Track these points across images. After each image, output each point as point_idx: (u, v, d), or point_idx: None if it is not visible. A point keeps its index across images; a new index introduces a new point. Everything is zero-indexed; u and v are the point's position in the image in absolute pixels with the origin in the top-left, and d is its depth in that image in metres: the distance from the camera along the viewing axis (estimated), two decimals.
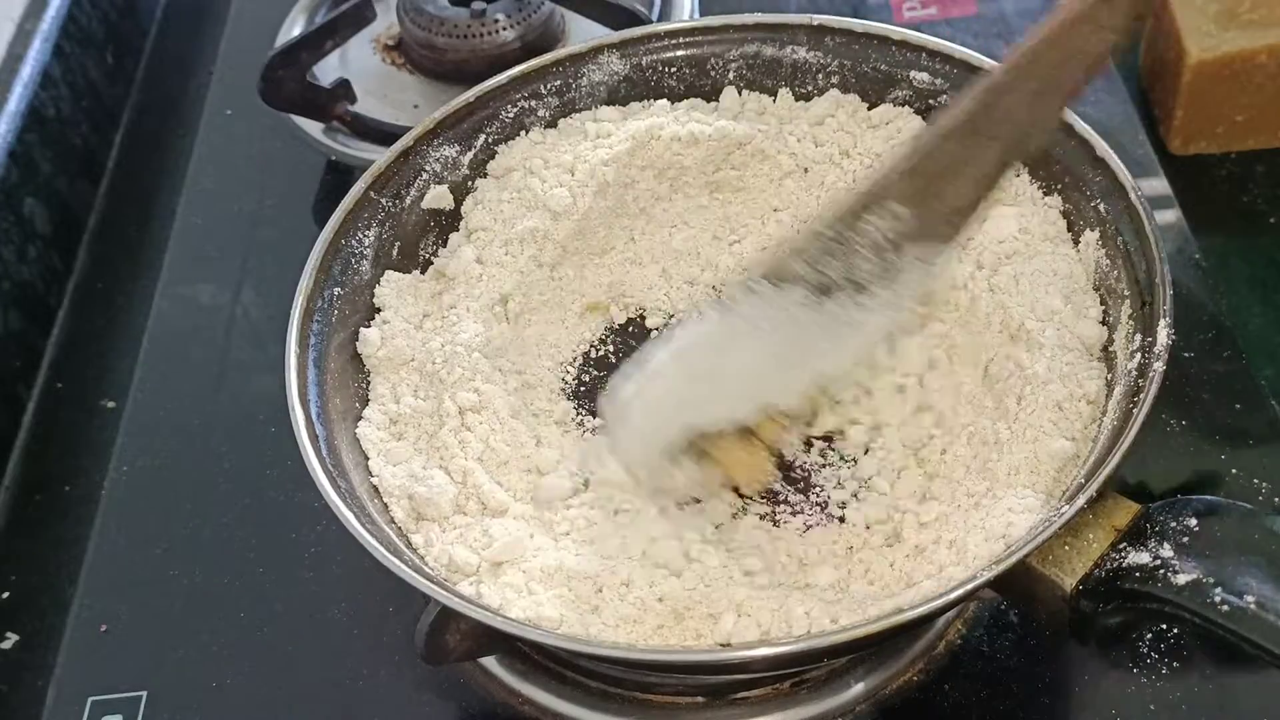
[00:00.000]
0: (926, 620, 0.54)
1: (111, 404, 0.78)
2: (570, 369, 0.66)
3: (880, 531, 0.56)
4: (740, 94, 0.69)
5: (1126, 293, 0.57)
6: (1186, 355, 0.68)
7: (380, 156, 0.65)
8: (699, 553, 0.54)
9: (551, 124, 0.69)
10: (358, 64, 0.85)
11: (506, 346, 0.63)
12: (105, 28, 0.97)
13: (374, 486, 0.56)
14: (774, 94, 0.69)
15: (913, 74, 0.66)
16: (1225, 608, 0.44)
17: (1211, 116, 0.81)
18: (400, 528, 0.55)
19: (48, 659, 0.64)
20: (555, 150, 0.67)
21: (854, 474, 0.59)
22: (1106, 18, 0.48)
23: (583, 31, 0.83)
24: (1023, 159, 0.55)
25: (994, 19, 0.88)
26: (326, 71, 0.82)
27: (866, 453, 0.60)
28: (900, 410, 0.60)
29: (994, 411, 0.57)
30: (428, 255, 0.66)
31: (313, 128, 0.81)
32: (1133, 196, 0.57)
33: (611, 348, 0.66)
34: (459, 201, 0.67)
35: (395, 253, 0.65)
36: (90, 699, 0.61)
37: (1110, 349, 0.57)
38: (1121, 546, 0.48)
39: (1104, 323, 0.58)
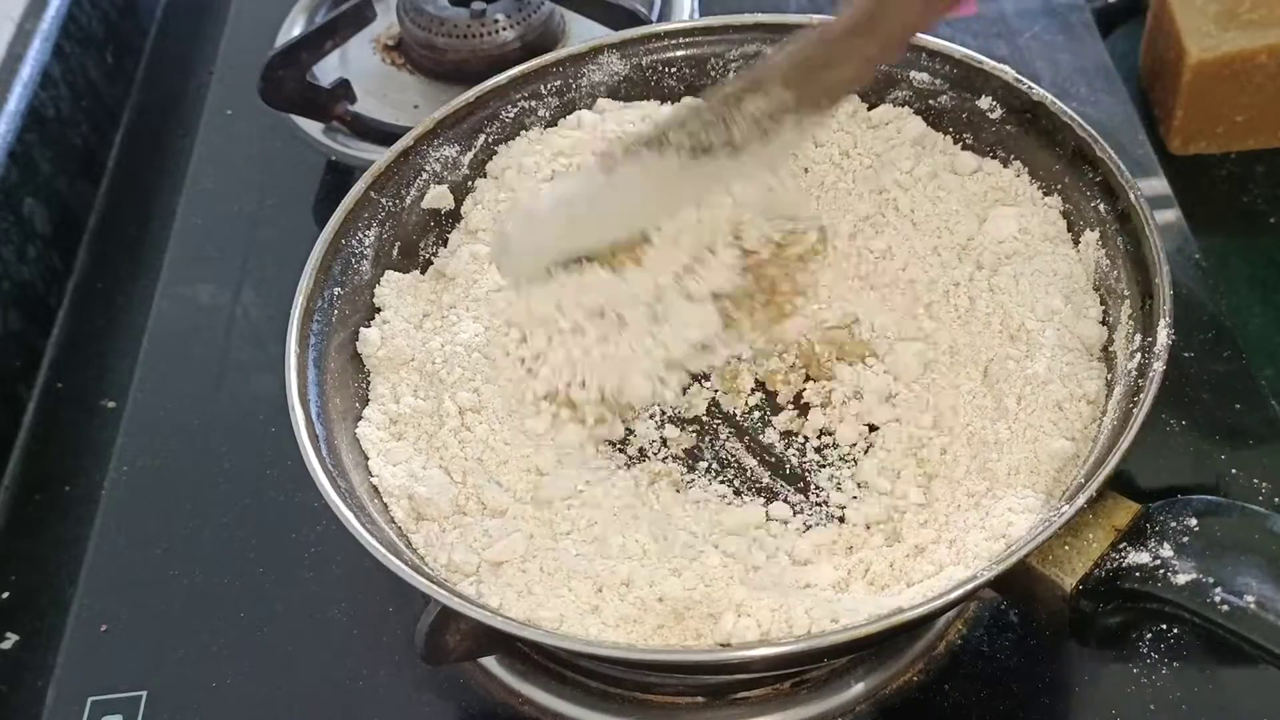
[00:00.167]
0: (926, 620, 0.54)
1: (111, 404, 0.78)
2: None
3: (880, 531, 0.56)
4: None
5: (1126, 293, 0.57)
6: (1186, 355, 0.68)
7: (380, 156, 0.65)
8: (698, 552, 0.54)
9: (551, 124, 0.69)
10: (358, 64, 0.85)
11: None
12: (105, 27, 0.97)
13: (374, 486, 0.56)
14: None
15: (912, 74, 0.66)
16: (1225, 608, 0.44)
17: (1211, 116, 0.81)
18: (400, 528, 0.55)
19: (48, 659, 0.64)
20: (550, 147, 0.67)
21: (854, 474, 0.59)
22: None
23: (583, 31, 0.83)
24: (899, 51, 0.61)
25: (994, 19, 0.88)
26: (326, 71, 0.83)
27: (867, 453, 0.60)
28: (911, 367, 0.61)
29: (994, 411, 0.57)
30: (428, 255, 0.66)
31: (313, 128, 0.81)
32: (1133, 196, 0.57)
33: None
34: (459, 201, 0.67)
35: (395, 253, 0.65)
36: (90, 699, 0.61)
37: (1110, 349, 0.57)
38: (1121, 546, 0.48)
39: (1104, 323, 0.58)
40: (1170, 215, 0.75)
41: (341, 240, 0.62)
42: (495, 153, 0.68)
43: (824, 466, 0.60)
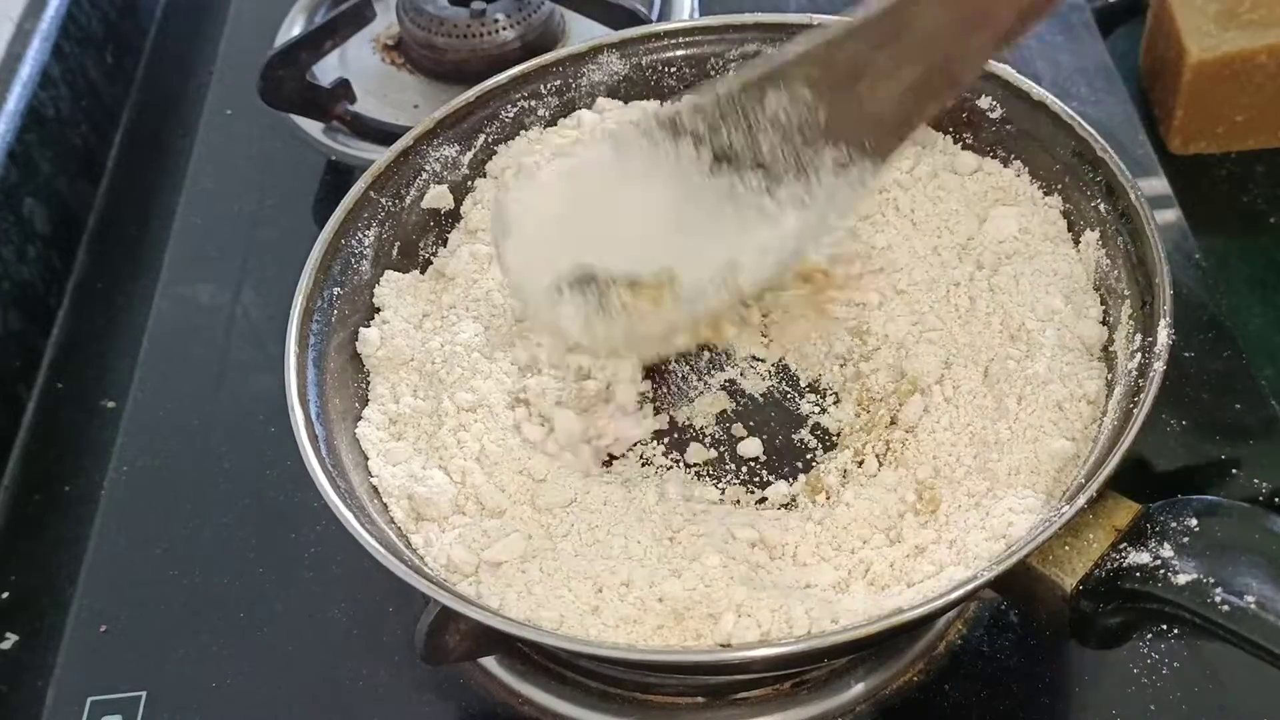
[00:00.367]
0: (926, 620, 0.54)
1: (111, 404, 0.78)
2: None
3: (880, 531, 0.56)
4: None
5: (1126, 293, 0.57)
6: (1186, 355, 0.68)
7: (380, 156, 0.65)
8: (698, 552, 0.54)
9: (551, 123, 0.69)
10: (358, 64, 0.85)
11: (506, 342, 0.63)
12: (105, 27, 0.97)
13: (373, 487, 0.56)
14: None
15: None
16: (1225, 608, 0.44)
17: (1211, 116, 0.81)
18: (400, 528, 0.55)
19: (48, 659, 0.64)
20: (550, 146, 0.68)
21: (854, 474, 0.59)
22: None
23: (583, 31, 0.83)
24: (949, 89, 0.52)
25: None
26: (326, 71, 0.83)
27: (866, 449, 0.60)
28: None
29: (994, 411, 0.57)
30: (427, 255, 0.66)
31: (313, 128, 0.81)
32: (1133, 196, 0.57)
33: None
34: (459, 201, 0.67)
35: (395, 252, 0.65)
36: (90, 699, 0.61)
37: (1110, 349, 0.57)
38: (1122, 546, 0.48)
39: (1104, 323, 0.58)
40: (1170, 215, 0.75)
41: (341, 240, 0.62)
42: (495, 152, 0.68)
43: (824, 466, 0.60)
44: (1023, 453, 0.55)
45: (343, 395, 0.59)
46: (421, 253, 0.66)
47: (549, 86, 0.69)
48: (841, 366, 0.62)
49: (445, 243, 0.67)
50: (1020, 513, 0.52)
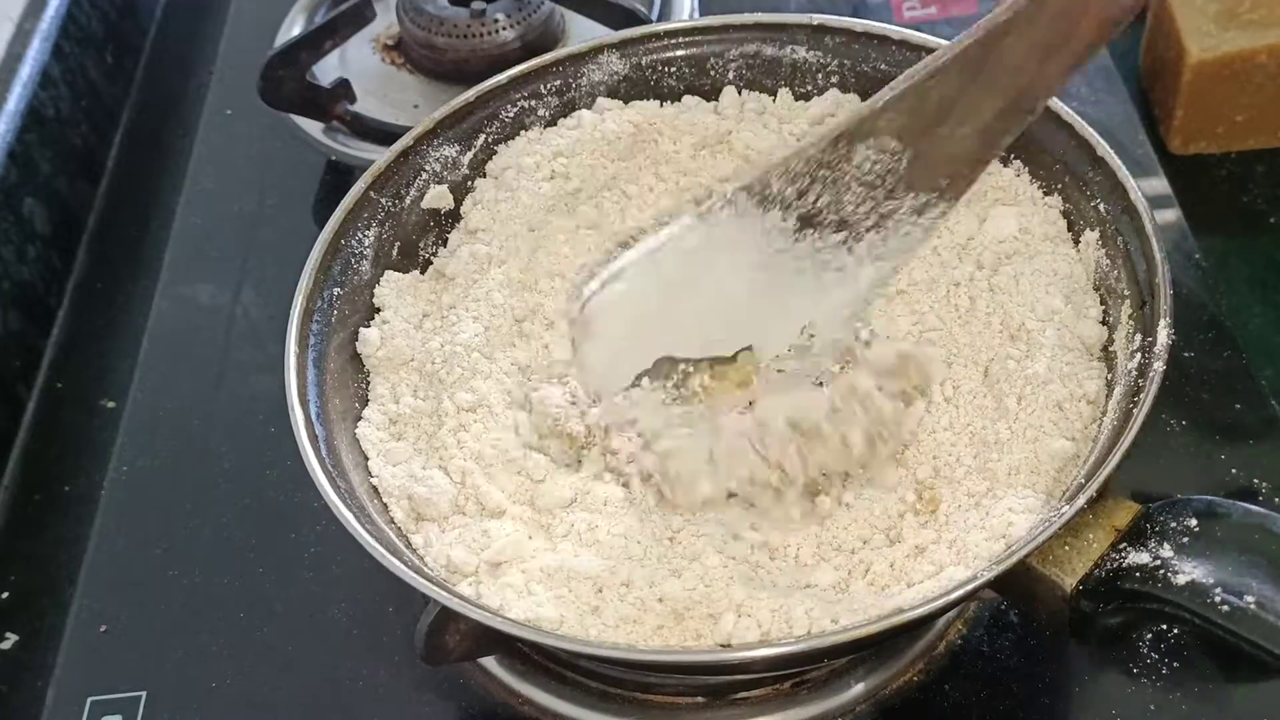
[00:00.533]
0: (926, 620, 0.54)
1: (111, 404, 0.78)
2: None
3: (880, 531, 0.56)
4: (740, 94, 0.69)
5: (1126, 293, 0.57)
6: (1186, 355, 0.68)
7: (380, 156, 0.65)
8: (699, 552, 0.54)
9: (551, 123, 0.69)
10: (358, 64, 0.85)
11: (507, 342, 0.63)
12: (105, 27, 0.97)
13: (373, 487, 0.56)
14: (774, 94, 0.69)
15: None
16: (1225, 608, 0.44)
17: (1211, 116, 0.81)
18: (400, 528, 0.55)
19: (48, 659, 0.64)
20: (550, 146, 0.68)
21: (854, 474, 0.59)
22: None
23: (583, 31, 0.83)
24: (1025, 117, 0.51)
25: None
26: (326, 71, 0.83)
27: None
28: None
29: (994, 411, 0.57)
30: (427, 255, 0.66)
31: (313, 128, 0.81)
32: (1133, 196, 0.57)
33: None
34: (459, 201, 0.67)
35: (395, 253, 0.65)
36: (90, 699, 0.61)
37: (1110, 349, 0.57)
38: (1121, 546, 0.48)
39: (1104, 323, 0.58)
40: (1170, 215, 0.75)
41: (341, 240, 0.62)
42: (495, 152, 0.68)
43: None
44: (1023, 453, 0.55)
45: (343, 395, 0.59)
46: (421, 253, 0.66)
47: (549, 86, 0.69)
48: (842, 369, 0.62)
49: (445, 243, 0.67)
50: (1020, 513, 0.52)
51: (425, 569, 0.52)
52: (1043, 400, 0.56)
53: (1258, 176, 0.82)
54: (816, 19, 0.68)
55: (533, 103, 0.68)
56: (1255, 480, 0.63)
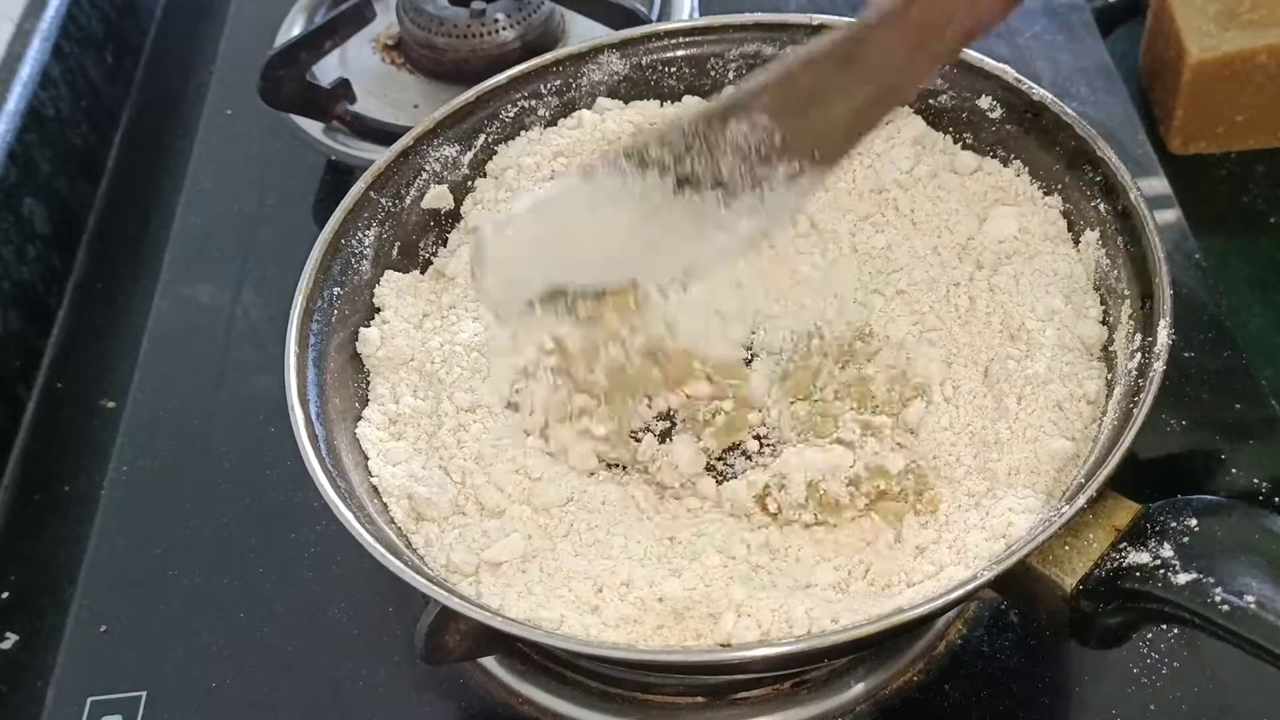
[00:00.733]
0: (926, 620, 0.54)
1: (111, 404, 0.78)
2: None
3: (880, 531, 0.56)
4: None
5: (1126, 293, 0.57)
6: (1186, 355, 0.68)
7: (380, 156, 0.65)
8: (699, 552, 0.54)
9: (551, 123, 0.69)
10: (358, 64, 0.85)
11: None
12: (105, 27, 0.97)
13: (373, 487, 0.56)
14: None
15: None
16: (1225, 608, 0.44)
17: (1211, 116, 0.81)
18: (400, 528, 0.55)
19: (48, 659, 0.64)
20: (550, 146, 0.68)
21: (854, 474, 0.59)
22: None
23: (583, 31, 0.83)
24: (897, 102, 0.57)
25: None
26: (326, 71, 0.83)
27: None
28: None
29: (994, 411, 0.57)
30: (427, 255, 0.66)
31: (313, 128, 0.81)
32: (1132, 196, 0.57)
33: None
34: (459, 201, 0.67)
35: (395, 253, 0.65)
36: (90, 699, 0.61)
37: (1110, 349, 0.57)
38: (1121, 546, 0.48)
39: (1104, 323, 0.58)
40: (1170, 215, 0.75)
41: (341, 240, 0.62)
42: (495, 152, 0.68)
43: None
44: (1023, 453, 0.55)
45: (343, 395, 0.59)
46: (421, 253, 0.66)
47: (549, 86, 0.69)
48: (843, 369, 0.62)
49: (445, 243, 0.67)
50: (1020, 513, 0.52)
51: (425, 569, 0.52)
52: (1043, 400, 0.56)
53: (1258, 176, 0.82)
54: (816, 19, 0.68)
55: (533, 103, 0.68)
56: (1255, 480, 0.63)
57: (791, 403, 0.61)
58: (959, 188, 0.64)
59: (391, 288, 0.63)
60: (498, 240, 0.56)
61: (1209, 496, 0.49)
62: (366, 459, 0.57)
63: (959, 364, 0.59)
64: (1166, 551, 0.47)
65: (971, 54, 0.65)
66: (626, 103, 0.69)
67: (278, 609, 0.63)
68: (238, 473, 0.69)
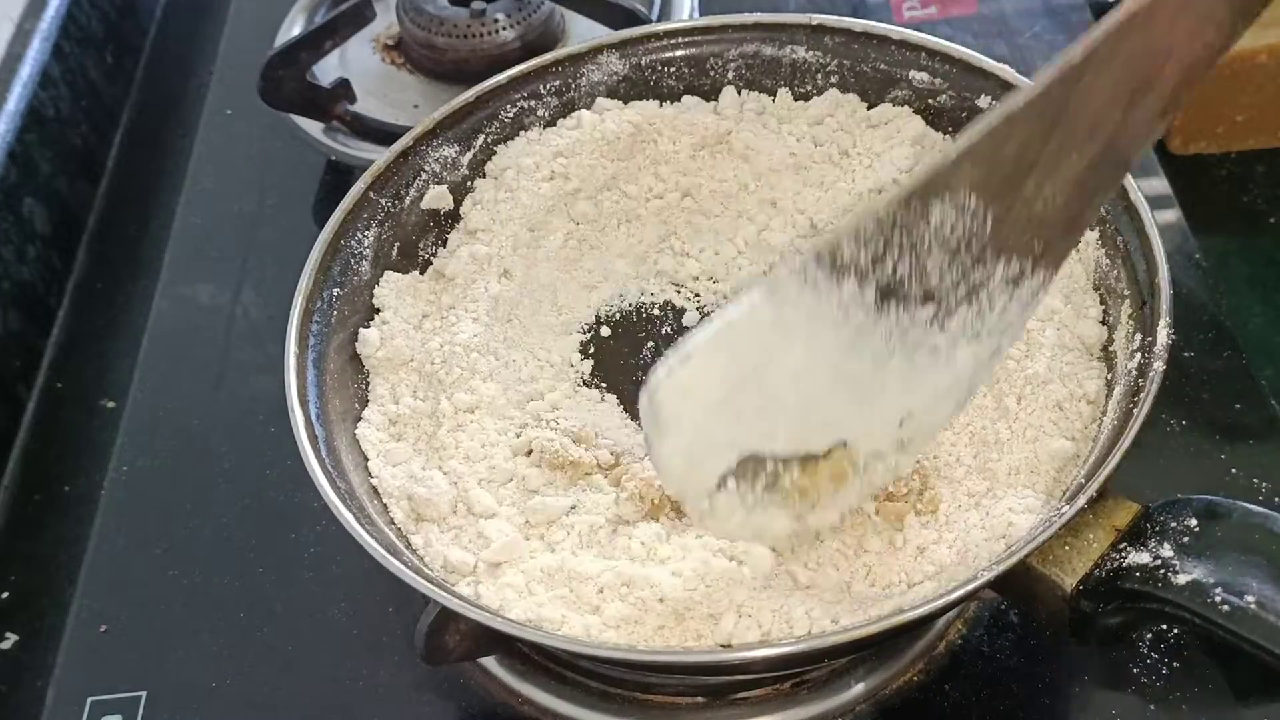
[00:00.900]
0: (927, 620, 0.54)
1: (111, 404, 0.78)
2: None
3: (881, 532, 0.56)
4: (739, 94, 0.69)
5: (1126, 292, 0.57)
6: (1186, 355, 0.68)
7: (380, 156, 0.65)
8: (700, 552, 0.54)
9: (551, 123, 0.69)
10: (358, 64, 0.85)
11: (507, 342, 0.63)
12: (105, 27, 0.97)
13: (373, 487, 0.56)
14: (773, 94, 0.69)
15: (912, 74, 0.66)
16: (1225, 608, 0.44)
17: (1211, 116, 0.81)
18: (400, 529, 0.55)
19: (48, 659, 0.64)
20: (550, 147, 0.68)
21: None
22: (1204, 4, 0.42)
23: (583, 31, 0.83)
24: (1119, 171, 0.46)
25: (994, 18, 0.88)
26: (326, 71, 0.82)
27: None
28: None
29: (994, 411, 0.57)
30: (427, 255, 0.66)
31: (313, 128, 0.81)
32: (1133, 196, 0.57)
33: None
34: (458, 201, 0.67)
35: (395, 253, 0.65)
36: (90, 699, 0.61)
37: (1110, 349, 0.57)
38: (1122, 546, 0.48)
39: (1104, 322, 0.58)
40: (1170, 215, 0.75)
41: (341, 240, 0.62)
42: (495, 153, 0.68)
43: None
44: (1023, 452, 0.55)
45: (342, 396, 0.59)
46: (421, 253, 0.66)
47: (549, 86, 0.69)
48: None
49: (445, 243, 0.67)
50: (1020, 513, 0.52)
51: (425, 569, 0.52)
52: (1043, 400, 0.56)
53: (1258, 176, 0.81)
54: (816, 19, 0.68)
55: (532, 103, 0.68)
56: (1255, 480, 0.63)
57: None
58: None
59: (391, 288, 0.63)
60: (673, 391, 0.45)
61: (1209, 496, 0.49)
62: (366, 460, 0.57)
63: None
64: (1167, 551, 0.47)
65: (971, 54, 0.65)
66: (626, 103, 0.69)
67: (278, 609, 0.63)
68: (238, 473, 0.69)
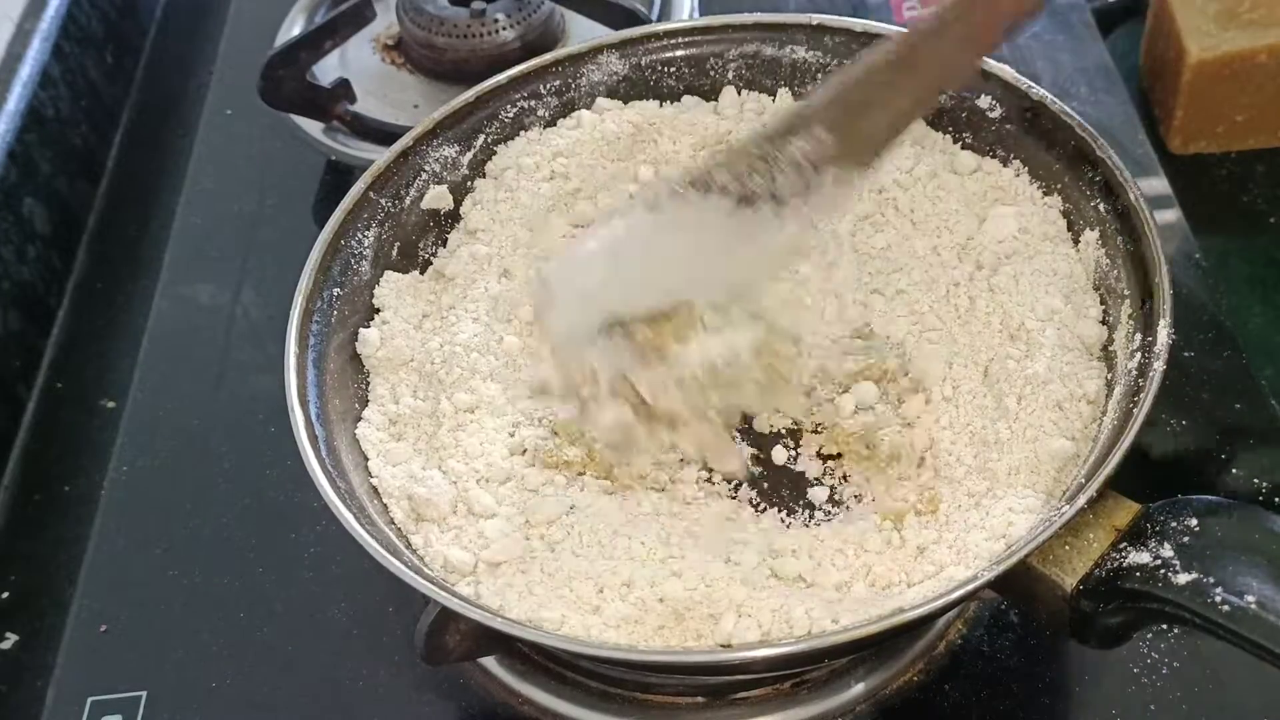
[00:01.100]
0: (927, 620, 0.54)
1: (111, 404, 0.78)
2: None
3: (880, 531, 0.56)
4: (739, 94, 0.69)
5: (1126, 292, 0.57)
6: (1186, 355, 0.68)
7: (380, 156, 0.65)
8: (700, 552, 0.54)
9: (551, 124, 0.69)
10: (357, 64, 0.85)
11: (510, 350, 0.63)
12: (105, 27, 0.97)
13: (373, 487, 0.56)
14: (773, 94, 0.69)
15: None
16: (1225, 608, 0.44)
17: (1211, 116, 0.81)
18: (400, 528, 0.55)
19: (48, 659, 0.64)
20: (550, 147, 0.68)
21: (855, 474, 0.59)
22: None
23: (583, 31, 0.83)
24: (936, 99, 0.59)
25: None
26: (326, 71, 0.83)
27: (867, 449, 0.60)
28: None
29: (994, 411, 0.57)
30: (427, 255, 0.66)
31: (313, 128, 0.81)
32: (1132, 196, 0.57)
33: None
34: (458, 201, 0.67)
35: (395, 253, 0.65)
36: (90, 699, 0.61)
37: (1110, 349, 0.57)
38: (1122, 546, 0.48)
39: (1104, 322, 0.58)
40: (1170, 215, 0.75)
41: (341, 240, 0.62)
42: (495, 153, 0.68)
43: (824, 464, 0.60)
44: (1023, 452, 0.55)
45: (343, 396, 0.59)
46: (421, 253, 0.66)
47: (549, 87, 0.69)
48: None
49: (445, 243, 0.67)
50: (1020, 512, 0.52)
51: (425, 569, 0.52)
52: (1043, 400, 0.56)
53: (1258, 176, 0.82)
54: (816, 19, 0.68)
55: (532, 103, 0.68)
56: (1255, 480, 0.63)
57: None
58: (959, 187, 0.64)
59: (391, 288, 0.63)
60: (561, 276, 0.56)
61: (1209, 496, 0.49)
62: (366, 460, 0.57)
63: (959, 364, 0.59)
64: (1167, 551, 0.47)
65: None
66: (626, 103, 0.69)
67: (278, 609, 0.63)
68: (238, 473, 0.69)
